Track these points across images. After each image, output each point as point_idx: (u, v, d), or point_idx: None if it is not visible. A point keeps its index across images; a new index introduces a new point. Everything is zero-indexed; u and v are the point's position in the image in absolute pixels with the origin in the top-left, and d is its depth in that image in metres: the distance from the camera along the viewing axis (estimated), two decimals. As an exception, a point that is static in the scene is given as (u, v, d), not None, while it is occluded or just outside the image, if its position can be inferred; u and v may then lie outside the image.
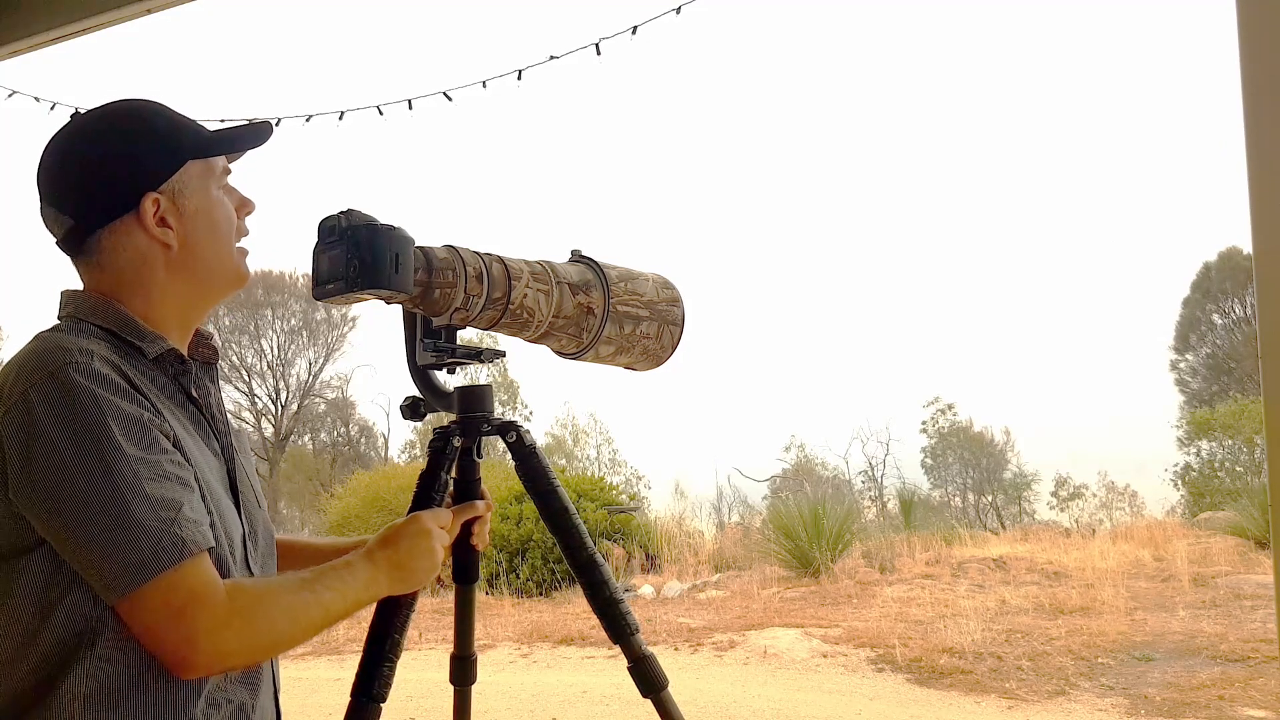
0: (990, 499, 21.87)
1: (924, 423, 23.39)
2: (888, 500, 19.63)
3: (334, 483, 18.10)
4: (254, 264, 1.22)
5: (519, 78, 4.06)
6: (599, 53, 3.84)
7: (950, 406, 23.46)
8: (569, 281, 1.35)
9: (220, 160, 1.18)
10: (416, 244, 1.22)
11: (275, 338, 23.45)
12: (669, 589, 9.43)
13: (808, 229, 34.61)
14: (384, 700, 1.25)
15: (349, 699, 1.25)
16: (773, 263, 34.78)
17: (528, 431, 1.38)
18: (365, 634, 1.25)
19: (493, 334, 1.39)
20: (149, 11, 2.18)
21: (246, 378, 23.23)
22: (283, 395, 23.66)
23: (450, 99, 4.18)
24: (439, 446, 1.34)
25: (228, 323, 22.84)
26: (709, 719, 5.35)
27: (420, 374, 1.33)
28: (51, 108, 4.20)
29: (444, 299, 1.23)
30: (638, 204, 35.34)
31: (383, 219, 1.20)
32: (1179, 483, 17.28)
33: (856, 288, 33.97)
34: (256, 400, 23.58)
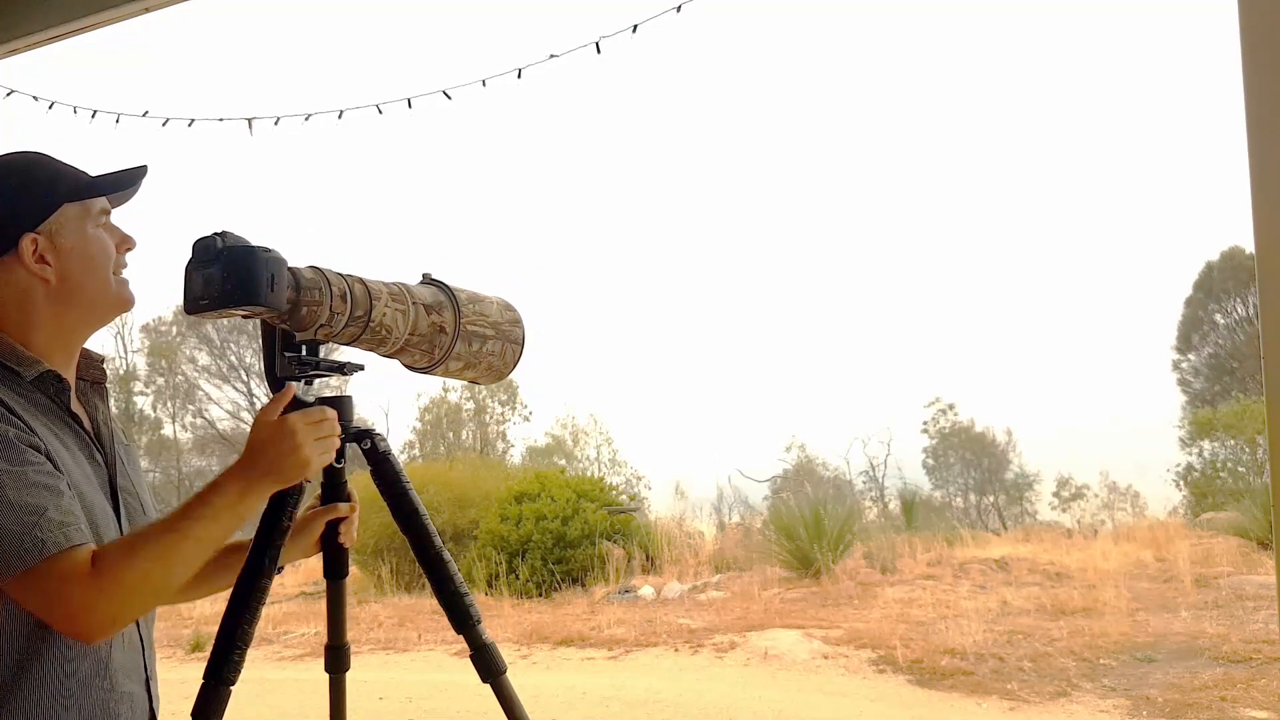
0: (992, 499, 21.87)
1: (925, 423, 23.39)
2: (889, 501, 19.60)
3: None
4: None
5: (519, 76, 4.05)
6: (599, 51, 3.83)
7: (951, 407, 23.46)
8: (423, 302, 1.45)
9: (98, 202, 1.30)
10: (287, 264, 1.32)
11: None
12: (669, 590, 9.42)
13: (808, 228, 34.61)
14: (233, 684, 1.35)
15: (200, 681, 1.34)
16: (774, 262, 34.77)
17: (382, 438, 1.50)
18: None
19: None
20: (147, 10, 2.18)
21: (246, 378, 23.22)
22: (283, 396, 23.60)
23: (450, 98, 4.17)
24: None
25: (227, 323, 22.81)
26: (710, 720, 5.35)
27: (280, 385, 1.42)
28: (50, 106, 4.20)
29: (310, 316, 1.32)
30: (638, 202, 35.34)
31: (256, 240, 1.30)
32: (1181, 483, 17.25)
33: (857, 288, 33.96)
34: (256, 400, 23.58)
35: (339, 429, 1.33)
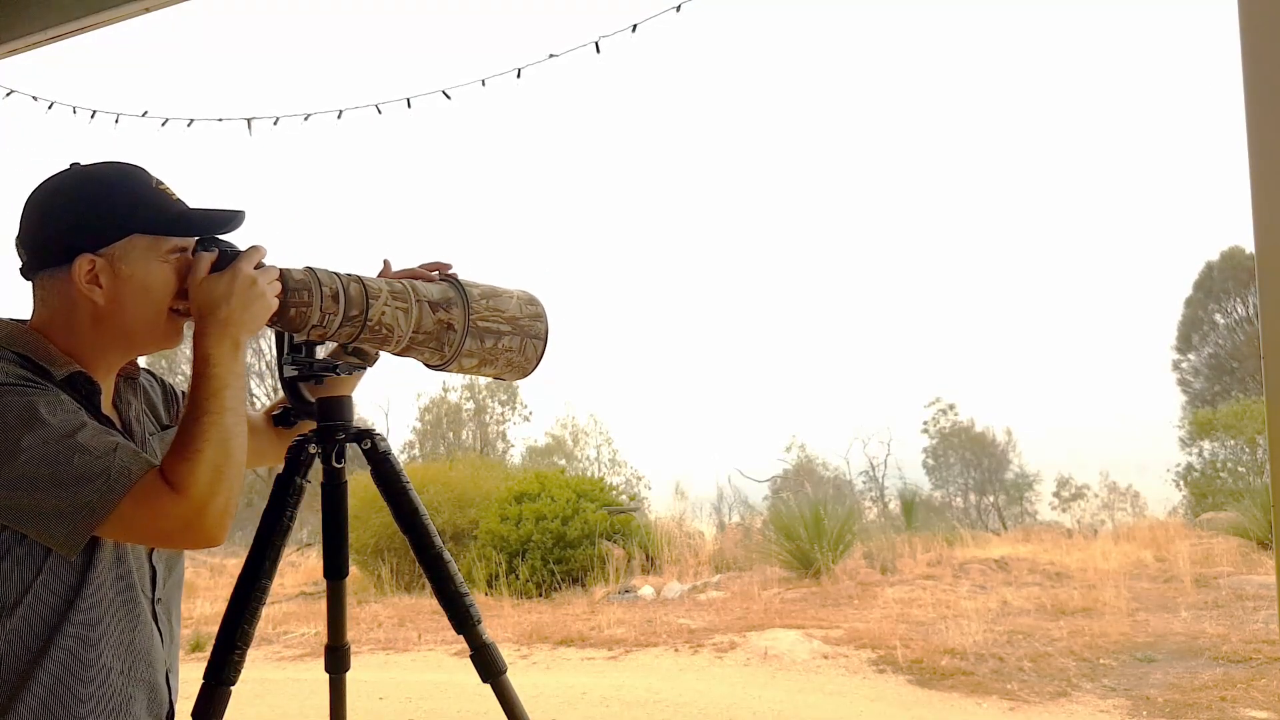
0: (992, 499, 21.86)
1: (925, 423, 23.38)
2: (889, 501, 19.59)
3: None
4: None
5: (518, 76, 4.05)
6: (599, 50, 3.84)
7: (951, 407, 23.45)
8: (429, 300, 1.44)
9: (172, 240, 1.28)
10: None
11: (274, 338, 23.38)
12: (669, 590, 9.41)
13: (808, 228, 34.61)
14: (233, 684, 1.37)
15: (201, 682, 1.36)
16: (774, 262, 34.77)
17: (382, 439, 1.53)
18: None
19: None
20: (146, 10, 2.18)
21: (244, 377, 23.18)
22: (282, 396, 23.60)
23: (449, 97, 4.17)
24: (294, 455, 1.47)
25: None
26: (710, 720, 5.34)
27: (288, 385, 1.46)
28: (50, 106, 4.20)
29: (300, 317, 1.33)
30: (637, 201, 35.34)
31: (243, 244, 1.30)
32: (1181, 483, 17.25)
33: (857, 288, 33.97)
34: (255, 401, 23.59)
35: (276, 270, 1.30)
